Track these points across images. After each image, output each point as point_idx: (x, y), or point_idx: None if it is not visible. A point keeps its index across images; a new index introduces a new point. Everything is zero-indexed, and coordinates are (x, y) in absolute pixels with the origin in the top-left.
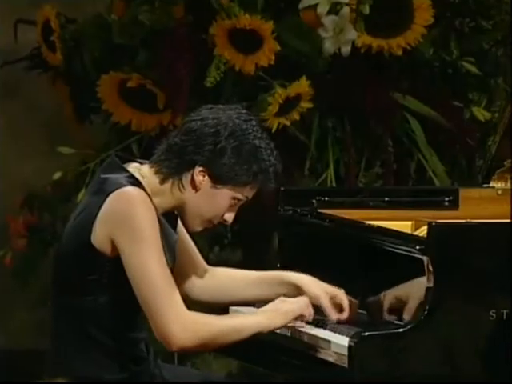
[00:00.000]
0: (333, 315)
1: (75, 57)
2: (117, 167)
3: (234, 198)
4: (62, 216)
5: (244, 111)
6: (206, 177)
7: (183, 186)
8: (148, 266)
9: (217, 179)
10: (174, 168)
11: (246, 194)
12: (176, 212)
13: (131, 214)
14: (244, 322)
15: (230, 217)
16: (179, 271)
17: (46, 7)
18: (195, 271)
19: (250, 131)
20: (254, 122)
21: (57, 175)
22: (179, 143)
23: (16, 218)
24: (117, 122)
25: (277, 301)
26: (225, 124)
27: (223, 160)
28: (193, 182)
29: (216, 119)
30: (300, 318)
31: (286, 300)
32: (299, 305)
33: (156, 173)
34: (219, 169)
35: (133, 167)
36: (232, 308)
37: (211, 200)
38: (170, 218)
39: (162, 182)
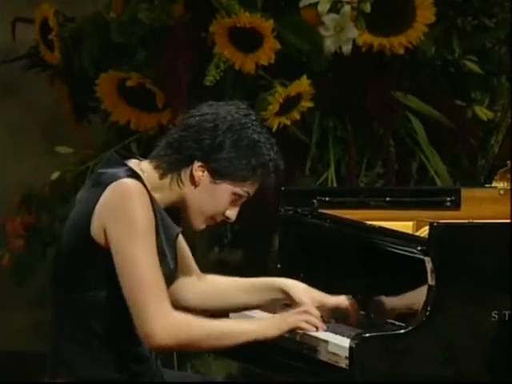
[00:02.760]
0: (314, 328)
1: (74, 55)
2: (116, 162)
3: (235, 194)
4: (61, 216)
5: (243, 106)
6: (206, 172)
7: (182, 182)
8: (136, 257)
9: (216, 174)
10: (173, 163)
11: (246, 189)
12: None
13: (125, 204)
14: (235, 327)
15: (232, 214)
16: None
17: (44, 5)
18: (189, 277)
19: (249, 125)
20: (253, 117)
21: (55, 175)
22: (178, 139)
23: (14, 218)
24: (116, 122)
25: (277, 314)
26: (223, 118)
27: (222, 154)
28: (192, 177)
29: (215, 114)
30: (297, 330)
31: (284, 313)
32: (295, 318)
33: (155, 168)
34: (218, 163)
35: (132, 163)
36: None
37: (211, 196)
38: (173, 212)
39: (161, 177)
